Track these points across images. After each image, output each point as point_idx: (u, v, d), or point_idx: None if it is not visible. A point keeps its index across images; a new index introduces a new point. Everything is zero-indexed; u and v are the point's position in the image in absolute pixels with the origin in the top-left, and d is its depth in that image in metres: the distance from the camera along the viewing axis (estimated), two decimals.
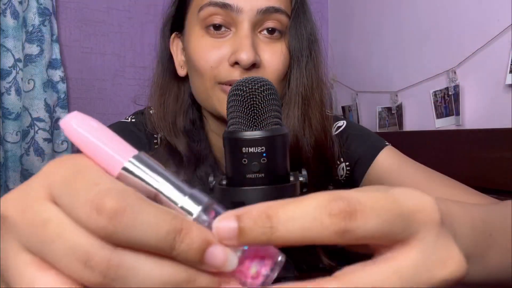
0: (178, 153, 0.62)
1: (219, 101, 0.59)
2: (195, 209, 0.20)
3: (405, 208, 0.19)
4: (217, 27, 0.58)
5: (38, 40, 1.67)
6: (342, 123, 0.73)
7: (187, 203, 0.20)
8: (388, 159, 0.68)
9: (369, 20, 1.93)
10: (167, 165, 0.63)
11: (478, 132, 1.15)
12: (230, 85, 0.58)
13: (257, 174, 0.39)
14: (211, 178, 0.42)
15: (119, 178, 0.21)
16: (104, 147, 0.21)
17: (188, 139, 0.64)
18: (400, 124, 1.68)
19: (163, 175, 0.21)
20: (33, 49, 1.67)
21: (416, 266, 0.18)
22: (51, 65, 1.73)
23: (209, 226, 0.20)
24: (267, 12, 0.57)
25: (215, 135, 0.66)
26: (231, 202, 0.44)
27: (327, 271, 0.73)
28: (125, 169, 0.21)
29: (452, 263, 0.19)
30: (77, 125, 0.21)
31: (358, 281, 0.18)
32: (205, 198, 0.21)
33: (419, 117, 1.62)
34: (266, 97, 0.41)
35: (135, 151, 0.22)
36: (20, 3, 1.70)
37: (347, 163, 0.70)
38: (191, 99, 0.66)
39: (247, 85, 0.41)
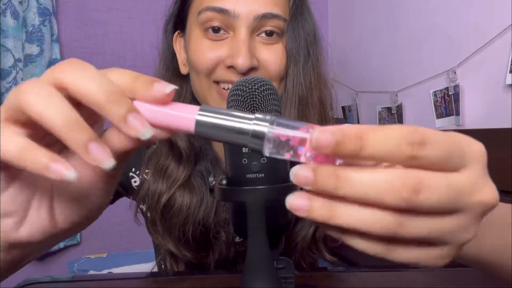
0: (179, 148, 0.63)
1: (215, 102, 0.60)
2: (264, 127, 0.25)
3: (462, 145, 0.24)
4: (215, 30, 0.59)
5: (38, 40, 1.67)
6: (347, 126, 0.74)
7: (256, 127, 0.25)
8: None
9: (369, 20, 1.93)
10: (168, 161, 0.64)
11: (478, 132, 1.15)
12: (226, 83, 0.59)
13: (257, 174, 0.39)
14: (211, 178, 0.42)
15: (197, 131, 0.26)
16: (176, 113, 0.26)
17: (189, 135, 0.64)
18: (400, 124, 1.69)
19: (228, 114, 0.26)
20: (33, 49, 1.67)
21: (463, 184, 0.24)
22: (51, 65, 1.72)
23: (279, 136, 0.25)
24: (264, 18, 0.58)
25: None
26: (231, 202, 0.44)
27: (327, 271, 0.73)
28: (198, 122, 0.26)
29: (491, 192, 0.25)
30: (146, 107, 0.26)
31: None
32: (267, 116, 0.26)
33: (419, 117, 1.62)
34: (266, 97, 0.41)
35: (197, 106, 0.27)
36: (20, 3, 1.70)
37: None
38: (192, 96, 0.67)
39: (247, 85, 0.41)
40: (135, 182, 0.71)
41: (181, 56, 0.67)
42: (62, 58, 1.78)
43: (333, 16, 2.21)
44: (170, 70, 0.67)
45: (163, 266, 0.73)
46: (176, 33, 0.67)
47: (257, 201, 0.38)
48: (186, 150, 0.63)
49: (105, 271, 1.54)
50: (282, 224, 0.45)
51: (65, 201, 0.29)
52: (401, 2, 1.72)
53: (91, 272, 1.55)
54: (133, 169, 0.70)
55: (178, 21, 0.67)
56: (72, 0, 1.83)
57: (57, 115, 0.23)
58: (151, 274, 0.72)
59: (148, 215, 0.69)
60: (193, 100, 0.67)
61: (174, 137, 0.62)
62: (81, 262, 1.62)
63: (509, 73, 1.21)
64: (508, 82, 1.21)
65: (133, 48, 1.93)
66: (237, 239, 0.69)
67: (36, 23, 1.67)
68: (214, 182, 0.42)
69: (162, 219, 0.65)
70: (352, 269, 0.78)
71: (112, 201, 0.73)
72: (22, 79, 1.70)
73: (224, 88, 0.60)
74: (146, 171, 0.68)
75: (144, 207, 0.73)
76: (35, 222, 0.29)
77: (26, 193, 0.28)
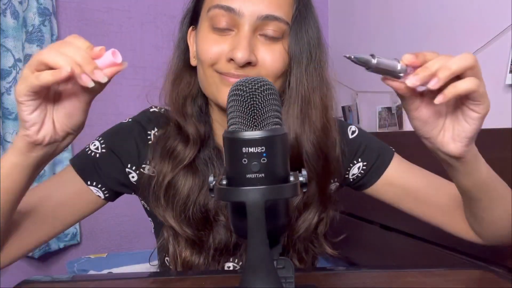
0: (186, 132, 0.68)
1: (217, 88, 0.65)
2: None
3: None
4: (222, 26, 0.64)
5: (38, 40, 1.67)
6: (355, 128, 0.80)
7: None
8: (398, 166, 0.76)
9: (369, 20, 1.93)
10: (176, 142, 0.69)
11: (478, 132, 1.15)
12: (227, 75, 0.64)
13: (257, 174, 0.39)
14: (211, 178, 0.42)
15: None
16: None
17: (196, 120, 0.70)
18: (400, 124, 1.69)
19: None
20: (33, 49, 1.67)
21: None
22: None
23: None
24: (267, 19, 0.63)
25: (218, 124, 0.72)
26: (231, 202, 0.44)
27: (327, 271, 0.73)
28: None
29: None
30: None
31: None
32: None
33: None
34: (266, 97, 0.41)
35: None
36: (20, 3, 1.70)
37: (364, 163, 0.76)
38: (200, 87, 0.71)
39: (247, 85, 0.41)
40: (132, 177, 0.73)
41: (192, 49, 0.72)
42: None
43: (333, 16, 2.21)
44: (182, 60, 0.73)
45: (164, 257, 0.74)
46: (191, 28, 0.72)
47: (257, 201, 0.38)
48: (192, 133, 0.68)
49: (105, 271, 1.54)
50: (282, 224, 0.45)
51: (61, 116, 0.52)
52: (401, 2, 1.72)
53: (91, 272, 1.55)
54: (129, 165, 0.73)
55: (193, 17, 0.72)
56: (72, 0, 1.83)
57: (78, 56, 0.48)
58: (151, 274, 0.72)
59: (146, 206, 0.75)
60: (201, 90, 0.71)
61: (184, 123, 0.69)
62: (81, 262, 1.62)
63: (509, 73, 1.21)
64: (508, 82, 1.21)
65: (133, 48, 1.93)
66: None
67: (36, 23, 1.67)
68: (214, 182, 0.42)
69: (165, 195, 0.69)
70: (352, 269, 0.79)
71: (113, 199, 0.75)
72: None
73: (222, 73, 0.64)
74: (143, 166, 0.72)
75: (145, 204, 0.76)
76: (46, 129, 0.51)
77: (44, 112, 0.51)
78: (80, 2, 1.84)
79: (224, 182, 0.41)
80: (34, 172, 0.55)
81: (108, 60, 0.49)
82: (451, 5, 1.46)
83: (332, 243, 0.74)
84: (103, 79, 0.48)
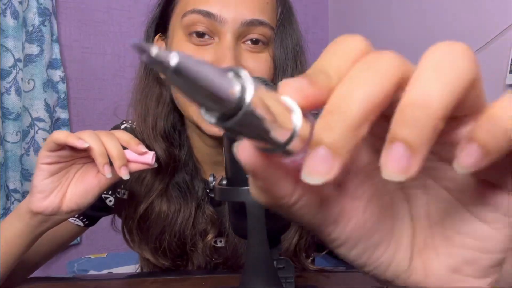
0: (157, 158, 0.61)
1: (196, 113, 0.59)
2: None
3: None
4: (200, 34, 0.57)
5: (38, 40, 1.67)
6: None
7: None
8: None
9: (369, 21, 1.93)
10: (145, 172, 0.63)
11: None
12: None
13: None
14: (211, 178, 0.42)
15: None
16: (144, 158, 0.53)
17: (168, 143, 0.64)
18: None
19: None
20: (33, 49, 1.67)
21: None
22: (51, 65, 1.73)
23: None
24: (251, 24, 0.56)
25: (197, 137, 0.66)
26: (231, 202, 0.44)
27: (327, 271, 0.73)
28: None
29: None
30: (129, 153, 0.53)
31: None
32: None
33: None
34: None
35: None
36: (20, 3, 1.70)
37: None
38: (172, 103, 0.65)
39: None
40: (110, 201, 0.70)
41: None
42: (62, 58, 1.78)
43: (333, 16, 2.21)
44: (150, 74, 0.66)
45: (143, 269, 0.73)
46: (158, 36, 0.67)
47: (257, 201, 0.38)
48: (164, 159, 0.62)
49: (105, 271, 1.53)
50: (282, 224, 0.45)
51: (76, 192, 0.51)
52: (401, 3, 1.72)
53: (91, 272, 1.55)
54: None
55: (160, 24, 0.66)
56: (72, 0, 1.83)
57: (114, 149, 0.48)
58: (151, 274, 0.72)
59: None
60: (174, 106, 0.65)
61: (152, 145, 0.62)
62: (81, 262, 1.62)
63: (509, 73, 1.21)
64: (508, 82, 1.21)
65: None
66: (219, 244, 0.68)
67: (36, 23, 1.67)
68: (214, 182, 0.42)
69: (138, 229, 0.65)
70: (352, 269, 0.78)
71: (94, 223, 0.72)
72: (22, 79, 1.70)
73: None
74: (118, 190, 0.68)
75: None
76: (51, 200, 0.49)
77: (56, 183, 0.50)
78: (80, 2, 1.84)
79: (224, 182, 0.41)
80: (37, 237, 0.54)
81: (147, 160, 0.50)
82: (451, 5, 1.46)
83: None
84: (125, 177, 0.48)
